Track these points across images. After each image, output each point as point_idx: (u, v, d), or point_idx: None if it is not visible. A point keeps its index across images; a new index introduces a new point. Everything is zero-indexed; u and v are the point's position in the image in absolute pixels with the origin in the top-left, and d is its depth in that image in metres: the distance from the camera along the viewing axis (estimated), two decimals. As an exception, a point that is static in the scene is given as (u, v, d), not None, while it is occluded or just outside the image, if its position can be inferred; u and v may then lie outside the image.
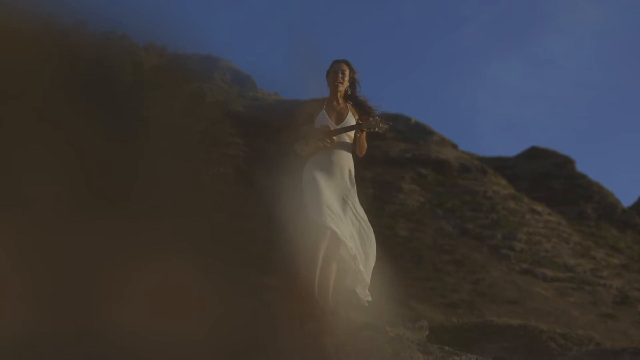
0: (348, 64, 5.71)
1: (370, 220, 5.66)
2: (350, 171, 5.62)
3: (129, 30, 2.75)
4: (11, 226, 2.07)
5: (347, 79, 5.67)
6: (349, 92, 5.72)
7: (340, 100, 5.69)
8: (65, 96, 2.30)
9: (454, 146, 56.12)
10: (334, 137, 5.56)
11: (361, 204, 5.69)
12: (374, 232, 5.66)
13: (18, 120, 2.15)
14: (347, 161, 5.61)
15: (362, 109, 5.70)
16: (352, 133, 5.62)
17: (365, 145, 5.69)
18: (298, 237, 5.35)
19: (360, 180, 5.80)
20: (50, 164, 2.15)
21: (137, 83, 2.76)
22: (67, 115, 2.27)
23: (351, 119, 5.62)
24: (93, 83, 2.48)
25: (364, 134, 5.64)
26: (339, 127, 5.57)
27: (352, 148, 5.66)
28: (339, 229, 5.35)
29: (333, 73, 5.67)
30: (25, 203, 2.10)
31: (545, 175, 55.70)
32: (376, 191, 43.56)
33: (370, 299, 5.53)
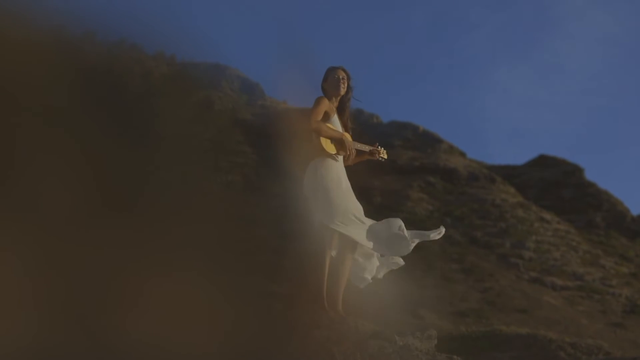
0: (345, 71, 5.77)
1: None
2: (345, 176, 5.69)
3: (138, 40, 2.77)
4: (26, 235, 2.08)
5: (346, 85, 5.73)
6: (343, 98, 5.77)
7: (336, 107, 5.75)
8: (77, 106, 2.31)
9: (462, 154, 56.06)
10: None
11: (369, 213, 5.71)
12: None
13: (32, 131, 2.16)
14: (343, 167, 5.70)
15: (345, 113, 5.78)
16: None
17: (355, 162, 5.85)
18: (306, 243, 5.35)
19: (368, 188, 5.85)
20: (63, 174, 2.16)
21: (146, 92, 2.77)
22: (79, 125, 2.28)
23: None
24: (103, 92, 2.49)
25: (365, 158, 5.83)
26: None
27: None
28: (351, 231, 5.36)
29: (333, 80, 5.69)
30: (39, 212, 2.11)
31: (554, 183, 55.53)
32: (384, 200, 43.49)
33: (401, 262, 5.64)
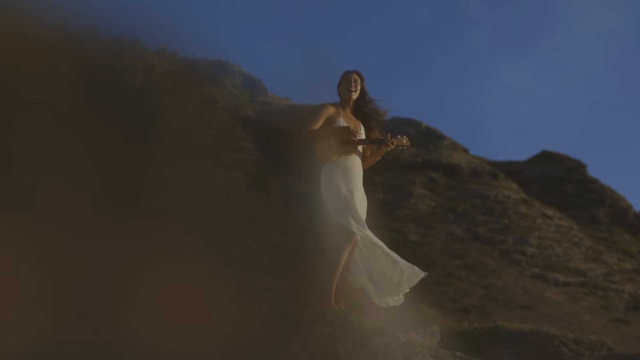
0: (359, 74, 5.78)
1: (381, 225, 5.69)
2: (361, 180, 5.66)
3: (140, 36, 2.76)
4: (28, 232, 2.08)
5: (359, 87, 5.75)
6: (360, 102, 5.78)
7: (352, 111, 5.76)
8: (79, 102, 2.31)
9: (465, 150, 56.01)
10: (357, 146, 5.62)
11: (372, 209, 5.71)
12: (385, 236, 5.68)
13: (34, 127, 2.16)
14: (361, 170, 5.67)
15: (370, 121, 5.76)
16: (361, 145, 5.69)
17: (377, 161, 5.79)
18: (320, 241, 5.36)
19: (371, 185, 5.81)
20: (65, 171, 2.15)
21: (148, 88, 2.77)
22: (81, 121, 2.28)
23: (363, 132, 5.70)
24: (105, 88, 2.49)
25: (382, 151, 5.74)
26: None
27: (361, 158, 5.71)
28: (364, 233, 5.38)
29: (346, 83, 5.73)
30: (41, 209, 2.11)
31: (556, 179, 55.50)
32: (387, 196, 43.49)
33: (396, 303, 5.57)
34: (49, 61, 2.33)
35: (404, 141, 5.78)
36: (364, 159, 5.73)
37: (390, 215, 39.92)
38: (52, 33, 2.44)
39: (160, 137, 2.62)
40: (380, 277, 5.56)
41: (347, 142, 5.57)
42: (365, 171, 5.71)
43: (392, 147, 5.73)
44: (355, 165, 5.61)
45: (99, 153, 2.30)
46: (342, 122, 5.62)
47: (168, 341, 2.29)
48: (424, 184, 48.20)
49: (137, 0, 2.67)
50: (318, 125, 5.56)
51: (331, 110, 5.68)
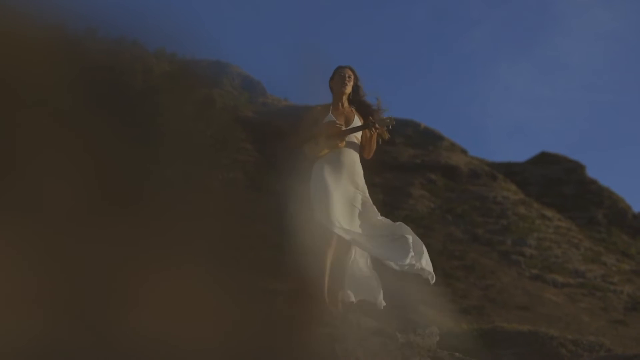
0: (352, 70, 5.77)
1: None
2: (359, 172, 5.63)
3: (139, 37, 2.77)
4: (28, 231, 2.09)
5: (351, 83, 5.73)
6: (352, 97, 5.77)
7: (346, 105, 5.74)
8: (78, 103, 2.32)
9: (464, 151, 56.02)
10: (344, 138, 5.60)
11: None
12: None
13: (34, 127, 2.17)
14: (356, 162, 5.63)
15: (368, 111, 5.73)
16: (359, 135, 5.65)
17: (374, 147, 5.72)
18: (306, 241, 5.35)
19: (370, 185, 5.80)
20: (65, 170, 2.16)
21: (148, 89, 2.78)
22: (81, 122, 2.29)
23: (358, 122, 5.66)
24: (104, 89, 2.49)
25: (374, 135, 5.66)
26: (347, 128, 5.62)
27: (360, 150, 5.69)
28: (346, 232, 5.35)
29: (338, 77, 5.72)
30: (42, 209, 2.12)
31: (555, 180, 55.53)
32: (386, 197, 43.48)
33: (383, 304, 5.57)
34: (48, 62, 2.34)
35: (387, 122, 5.65)
36: (362, 148, 5.71)
37: (389, 216, 39.76)
38: (52, 34, 2.44)
39: (159, 137, 2.63)
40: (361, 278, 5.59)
41: (332, 135, 5.57)
42: (364, 171, 5.70)
43: (377, 130, 5.61)
44: (348, 158, 5.59)
45: (98, 153, 2.31)
46: (330, 117, 5.62)
47: (168, 341, 2.29)
48: (423, 185, 48.20)
49: (136, 1, 2.67)
50: (305, 128, 5.59)
51: (318, 109, 5.69)
